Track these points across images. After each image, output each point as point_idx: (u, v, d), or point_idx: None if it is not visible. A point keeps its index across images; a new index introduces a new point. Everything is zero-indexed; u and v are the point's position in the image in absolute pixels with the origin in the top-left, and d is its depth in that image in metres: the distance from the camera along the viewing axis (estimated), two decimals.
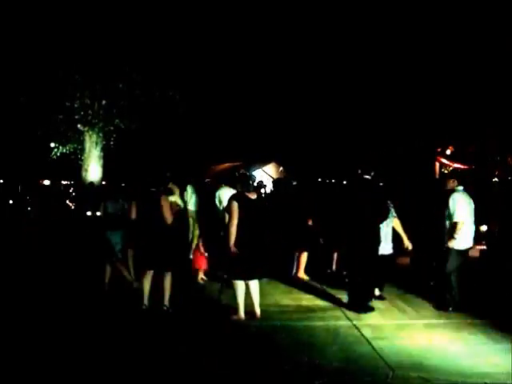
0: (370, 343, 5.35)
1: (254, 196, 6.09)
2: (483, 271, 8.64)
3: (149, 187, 6.44)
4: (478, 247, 10.04)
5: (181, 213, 7.16)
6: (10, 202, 16.95)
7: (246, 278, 6.04)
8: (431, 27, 14.73)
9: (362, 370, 4.64)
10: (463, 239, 6.65)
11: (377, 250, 6.61)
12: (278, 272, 8.97)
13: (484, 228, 11.82)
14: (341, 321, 6.19)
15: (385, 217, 6.64)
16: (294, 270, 8.78)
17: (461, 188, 6.80)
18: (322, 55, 17.26)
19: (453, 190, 6.74)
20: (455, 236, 6.51)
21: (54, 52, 12.40)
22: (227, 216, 6.16)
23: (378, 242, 6.62)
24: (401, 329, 5.91)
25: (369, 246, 6.49)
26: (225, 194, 7.35)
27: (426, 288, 7.40)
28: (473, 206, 6.77)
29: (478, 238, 11.39)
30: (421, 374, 4.50)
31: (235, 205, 5.89)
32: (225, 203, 6.69)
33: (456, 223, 6.51)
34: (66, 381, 4.40)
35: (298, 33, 16.47)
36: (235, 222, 5.87)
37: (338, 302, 6.90)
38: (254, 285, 6.10)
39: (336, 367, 4.69)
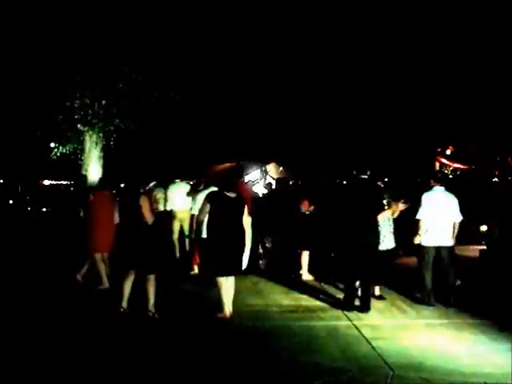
0: (369, 343, 5.36)
1: (233, 195, 6.24)
2: (483, 271, 8.65)
3: (131, 188, 6.43)
4: (478, 247, 10.08)
5: (160, 214, 7.17)
6: (10, 202, 16.98)
7: (224, 273, 6.13)
8: (431, 27, 14.73)
9: (361, 370, 4.64)
10: (429, 236, 6.90)
11: (376, 245, 6.71)
12: (279, 272, 9.01)
13: (484, 228, 11.85)
14: (341, 321, 6.20)
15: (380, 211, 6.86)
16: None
17: (439, 188, 7.02)
18: (322, 55, 17.25)
19: (429, 189, 7.03)
20: (419, 233, 6.89)
21: (54, 52, 12.39)
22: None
23: (377, 238, 6.74)
24: (401, 329, 5.92)
25: (369, 240, 6.59)
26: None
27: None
28: (447, 205, 6.94)
29: (478, 238, 11.48)
30: (421, 374, 4.50)
31: (207, 205, 6.16)
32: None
33: (417, 220, 6.91)
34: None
35: (297, 33, 16.46)
36: (202, 218, 6.23)
37: (338, 302, 6.90)
38: (230, 283, 6.20)
39: (336, 367, 4.69)
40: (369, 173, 6.84)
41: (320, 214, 8.58)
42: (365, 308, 6.53)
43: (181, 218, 9.90)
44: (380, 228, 6.89)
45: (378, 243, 6.74)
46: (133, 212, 6.11)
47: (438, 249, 6.95)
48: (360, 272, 6.67)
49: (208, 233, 6.29)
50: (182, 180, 10.40)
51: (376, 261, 6.65)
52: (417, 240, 6.98)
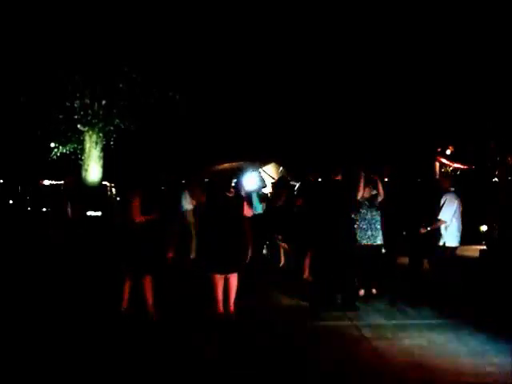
0: (370, 343, 5.36)
1: (231, 194, 6.38)
2: (483, 271, 8.65)
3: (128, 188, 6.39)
4: (478, 247, 10.08)
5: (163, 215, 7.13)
6: (10, 202, 16.99)
7: (221, 271, 6.25)
8: (431, 27, 14.72)
9: (362, 369, 4.65)
10: (455, 237, 7.01)
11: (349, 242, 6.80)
12: (281, 272, 9.02)
13: (484, 228, 11.85)
14: (341, 321, 6.20)
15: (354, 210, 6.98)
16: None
17: (451, 189, 7.18)
18: (322, 56, 17.26)
19: (446, 191, 7.12)
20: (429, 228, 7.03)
21: (54, 52, 12.40)
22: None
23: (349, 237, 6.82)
24: (401, 329, 5.92)
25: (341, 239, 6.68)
26: None
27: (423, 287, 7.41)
28: (460, 207, 7.11)
29: (478, 238, 11.49)
30: (421, 374, 4.50)
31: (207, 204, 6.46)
32: None
33: (438, 220, 6.95)
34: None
35: (297, 33, 16.47)
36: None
37: (337, 302, 6.90)
38: (233, 280, 6.30)
39: (336, 367, 4.70)
40: (341, 174, 6.89)
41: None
42: (350, 308, 6.54)
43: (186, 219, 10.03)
44: (365, 222, 7.07)
45: (350, 242, 6.81)
46: (128, 211, 6.10)
47: (456, 248, 7.12)
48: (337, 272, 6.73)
49: (206, 231, 6.41)
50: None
51: (352, 259, 6.72)
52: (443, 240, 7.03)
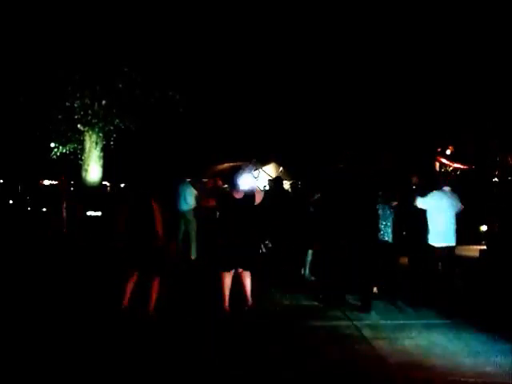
0: (369, 343, 5.36)
1: (240, 195, 6.42)
2: (483, 271, 8.65)
3: (140, 189, 6.33)
4: (478, 247, 10.08)
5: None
6: (10, 202, 17.00)
7: (228, 269, 6.38)
8: (431, 27, 14.73)
9: (362, 369, 4.64)
10: (435, 236, 6.84)
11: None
12: (280, 272, 9.01)
13: (484, 228, 11.85)
14: (341, 321, 6.20)
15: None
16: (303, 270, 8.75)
17: (446, 188, 7.03)
18: (322, 55, 17.27)
19: (437, 188, 7.02)
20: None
21: (53, 52, 12.40)
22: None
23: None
24: (401, 329, 5.91)
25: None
26: None
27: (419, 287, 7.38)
28: (451, 205, 6.94)
29: (478, 238, 11.49)
30: (421, 374, 4.50)
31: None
32: None
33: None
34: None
35: (297, 33, 16.48)
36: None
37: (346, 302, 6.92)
38: (246, 276, 6.44)
39: (336, 367, 4.69)
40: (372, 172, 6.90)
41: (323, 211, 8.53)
42: (366, 308, 6.53)
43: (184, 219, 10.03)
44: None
45: (375, 240, 6.78)
46: (145, 213, 6.05)
47: (444, 249, 6.92)
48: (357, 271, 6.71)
49: (218, 231, 6.58)
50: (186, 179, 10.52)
51: (375, 258, 6.68)
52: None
